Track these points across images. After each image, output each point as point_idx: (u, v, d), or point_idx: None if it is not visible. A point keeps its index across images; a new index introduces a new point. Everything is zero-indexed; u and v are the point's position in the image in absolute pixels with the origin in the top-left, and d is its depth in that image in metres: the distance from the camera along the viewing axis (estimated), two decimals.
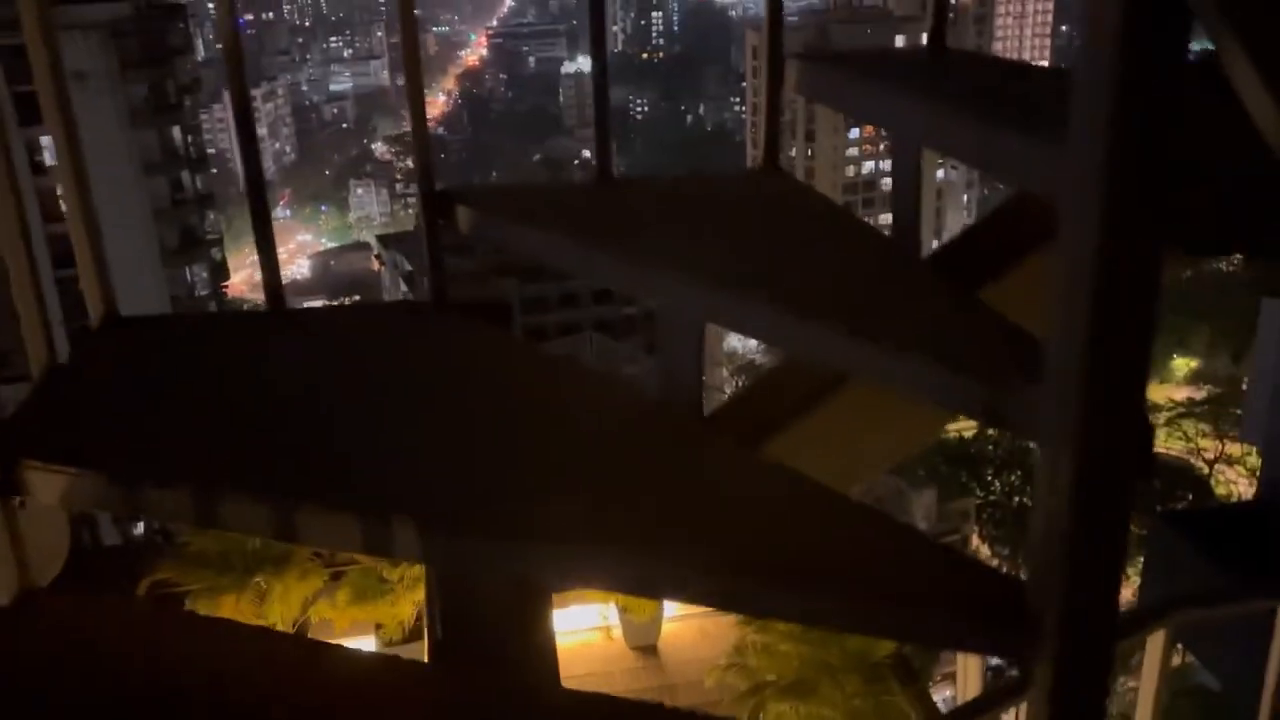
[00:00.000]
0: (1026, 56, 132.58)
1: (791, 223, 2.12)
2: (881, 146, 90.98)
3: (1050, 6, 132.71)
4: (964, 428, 78.04)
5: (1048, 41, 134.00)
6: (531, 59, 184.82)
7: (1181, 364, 79.55)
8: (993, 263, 1.99)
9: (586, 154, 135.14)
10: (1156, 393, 76.37)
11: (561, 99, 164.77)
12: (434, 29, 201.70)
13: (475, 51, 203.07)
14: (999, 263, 1.99)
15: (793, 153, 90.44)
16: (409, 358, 1.93)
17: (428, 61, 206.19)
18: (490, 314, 2.21)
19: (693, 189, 2.52)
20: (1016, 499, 57.57)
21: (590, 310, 55.74)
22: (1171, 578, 13.59)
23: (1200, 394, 72.06)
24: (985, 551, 59.38)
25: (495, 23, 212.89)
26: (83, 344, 1.81)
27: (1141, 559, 12.92)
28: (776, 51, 2.26)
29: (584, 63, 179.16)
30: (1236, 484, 62.71)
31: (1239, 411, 70.74)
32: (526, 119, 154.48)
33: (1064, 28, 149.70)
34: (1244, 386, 74.90)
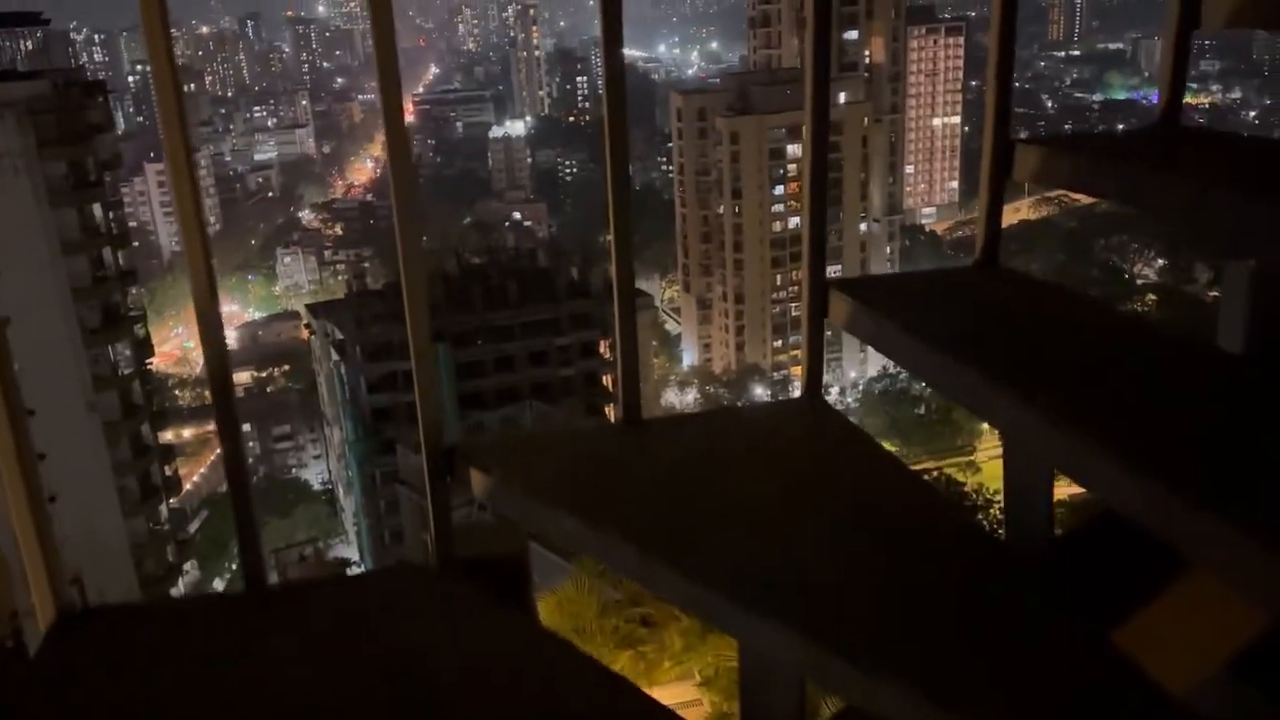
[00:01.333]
0: (939, 111, 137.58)
1: (867, 498, 1.77)
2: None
3: (960, 63, 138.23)
4: None
5: (959, 96, 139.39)
6: (459, 124, 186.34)
7: None
8: (1123, 597, 1.65)
9: (517, 215, 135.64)
10: None
11: (490, 163, 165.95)
12: (359, 97, 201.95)
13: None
14: (1132, 598, 1.65)
15: (720, 210, 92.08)
16: (404, 652, 1.61)
17: (353, 130, 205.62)
18: (500, 576, 1.84)
19: (731, 433, 2.16)
20: None
21: (527, 373, 55.58)
22: None
23: None
24: None
25: (421, 89, 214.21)
26: (40, 654, 1.58)
27: None
28: (819, 280, 2.03)
29: (511, 127, 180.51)
30: None
31: None
32: (455, 183, 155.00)
33: (973, 82, 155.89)
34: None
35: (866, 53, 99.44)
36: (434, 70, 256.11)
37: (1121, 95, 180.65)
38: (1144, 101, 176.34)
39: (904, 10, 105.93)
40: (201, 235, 1.71)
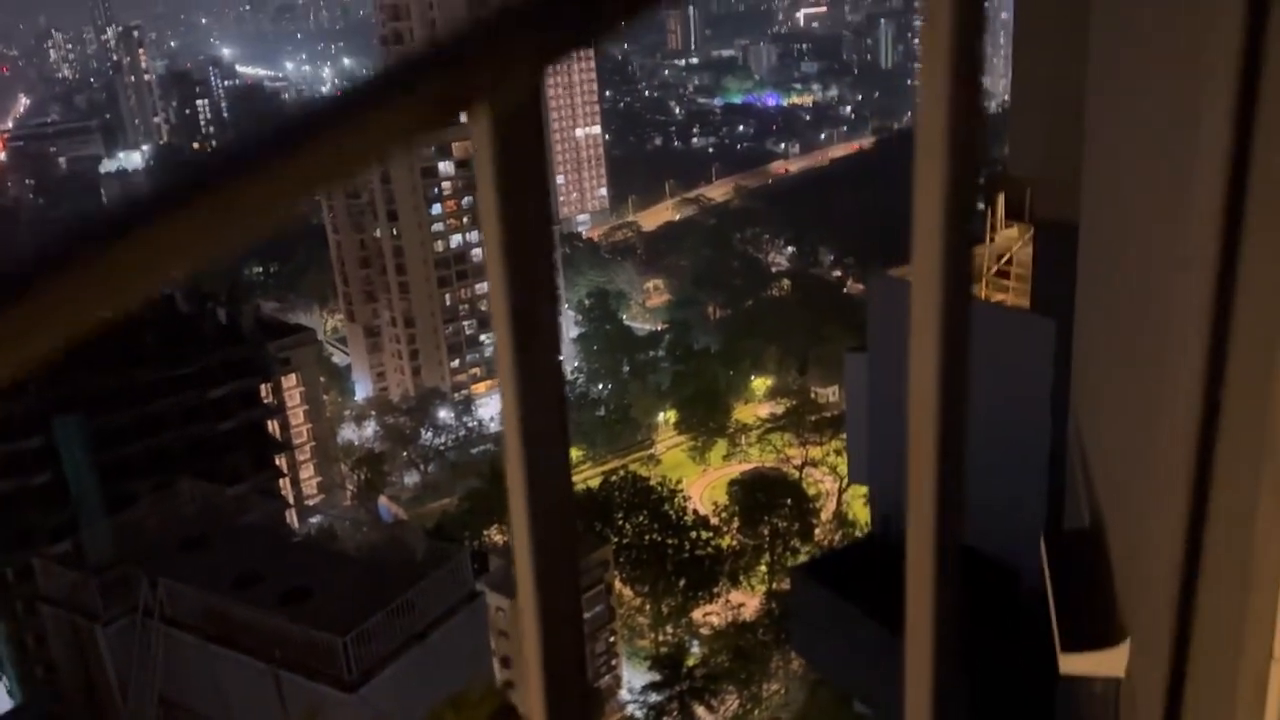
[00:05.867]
0: (580, 121, 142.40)
1: None
2: (465, 219, 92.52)
3: (594, 75, 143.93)
4: (588, 476, 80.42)
5: (596, 107, 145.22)
6: (62, 160, 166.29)
7: (759, 383, 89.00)
8: None
9: None
10: (744, 413, 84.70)
11: (105, 200, 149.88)
12: None
13: None
14: None
15: (377, 233, 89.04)
16: None
17: None
18: None
19: None
20: (648, 538, 60.66)
21: (181, 431, 50.33)
22: (812, 618, 14.68)
23: (779, 408, 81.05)
24: (628, 593, 61.77)
25: (10, 124, 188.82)
26: None
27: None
28: None
29: (126, 159, 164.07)
30: (822, 482, 71.12)
31: (813, 418, 79.63)
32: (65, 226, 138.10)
33: (608, 93, 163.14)
34: (813, 395, 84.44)
35: None
36: (25, 101, 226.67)
37: (738, 99, 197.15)
38: (759, 104, 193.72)
39: None
40: None
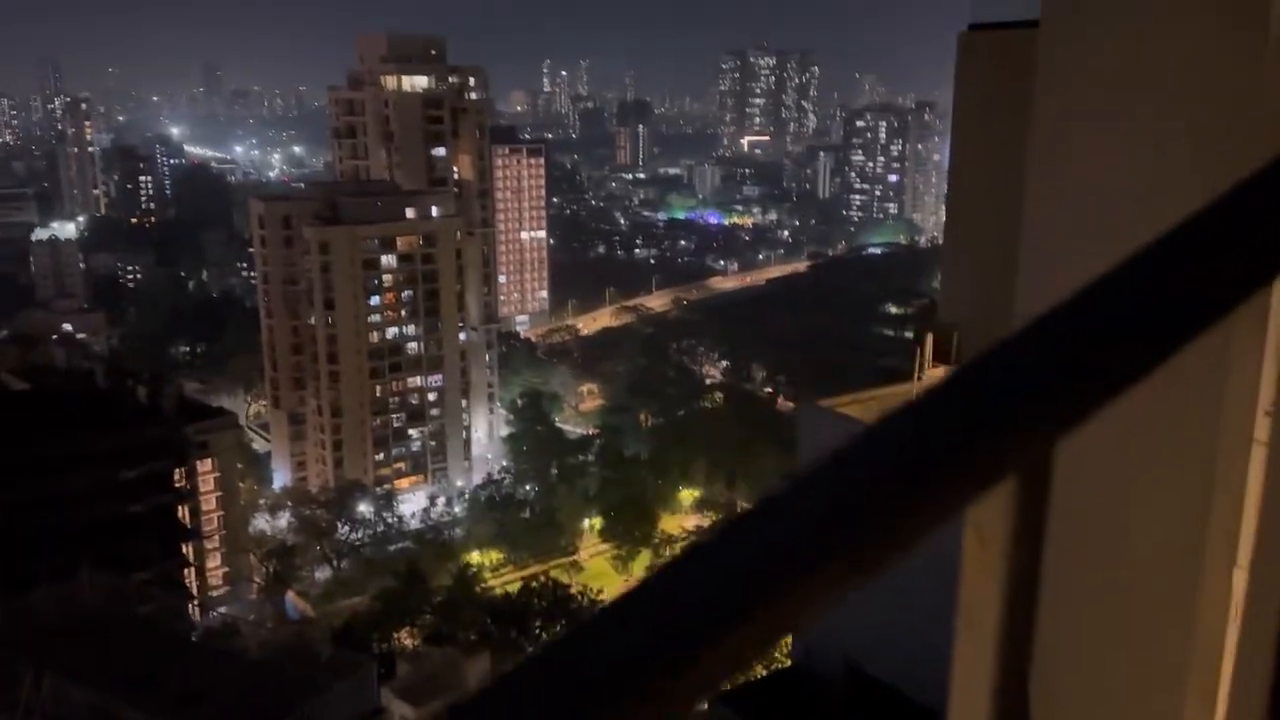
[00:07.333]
0: (526, 225, 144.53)
1: None
2: (403, 312, 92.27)
3: (542, 181, 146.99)
4: (508, 580, 78.86)
5: (543, 212, 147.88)
6: None
7: (687, 494, 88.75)
8: None
9: (68, 327, 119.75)
10: (670, 524, 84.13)
11: (34, 268, 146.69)
12: None
13: None
14: None
15: (311, 320, 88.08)
16: None
17: None
18: None
19: None
20: None
21: (87, 511, 48.09)
22: None
23: (705, 521, 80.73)
24: None
25: None
26: None
27: None
28: None
29: (59, 229, 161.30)
30: None
31: None
32: None
33: (555, 199, 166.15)
34: (740, 509, 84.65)
35: (455, 169, 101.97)
36: None
37: (681, 215, 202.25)
38: (701, 221, 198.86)
39: (488, 130, 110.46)
40: None
